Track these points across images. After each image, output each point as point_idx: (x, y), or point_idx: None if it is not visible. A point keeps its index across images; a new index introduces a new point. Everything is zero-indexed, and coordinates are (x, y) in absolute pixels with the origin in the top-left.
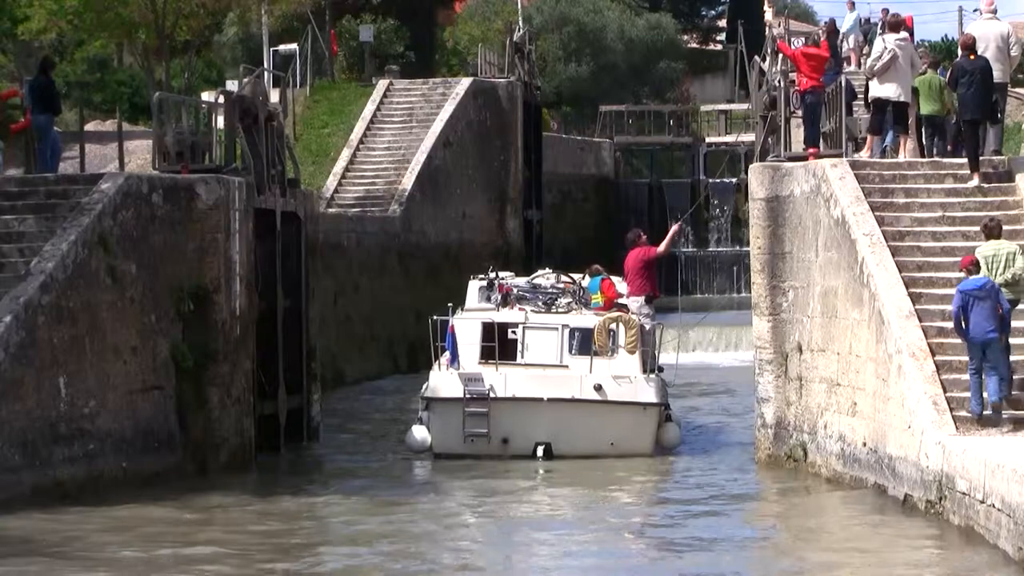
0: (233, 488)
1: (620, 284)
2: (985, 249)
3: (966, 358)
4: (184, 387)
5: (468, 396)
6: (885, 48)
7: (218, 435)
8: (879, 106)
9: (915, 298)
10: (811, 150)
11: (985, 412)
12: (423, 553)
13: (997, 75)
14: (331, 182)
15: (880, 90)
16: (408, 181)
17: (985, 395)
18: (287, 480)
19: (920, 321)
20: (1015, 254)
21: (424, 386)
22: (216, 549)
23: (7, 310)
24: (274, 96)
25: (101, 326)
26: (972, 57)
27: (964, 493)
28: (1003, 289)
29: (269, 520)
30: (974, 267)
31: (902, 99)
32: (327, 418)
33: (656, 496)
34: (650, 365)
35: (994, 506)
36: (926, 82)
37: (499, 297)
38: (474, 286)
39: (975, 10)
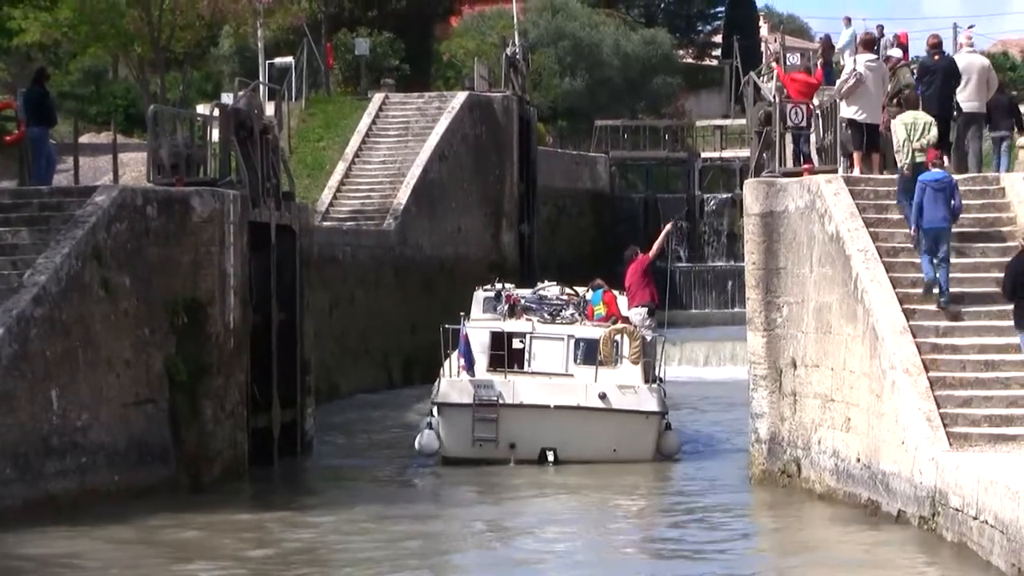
0: (227, 502)
1: (621, 298)
2: (905, 117)
3: (960, 374)
4: (178, 400)
5: (477, 402)
6: (854, 70)
7: (212, 448)
8: (856, 125)
9: (909, 314)
10: (806, 166)
11: (942, 300)
12: (420, 563)
13: (975, 106)
14: (326, 195)
15: (849, 111)
16: (403, 195)
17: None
18: (281, 493)
19: (914, 337)
20: (930, 124)
21: (434, 392)
22: (210, 563)
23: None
24: (269, 109)
25: (94, 339)
26: (936, 58)
27: (957, 509)
28: (919, 152)
29: (263, 534)
30: (939, 160)
31: (869, 121)
32: (321, 431)
33: (651, 510)
34: (651, 375)
35: (987, 522)
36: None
37: (506, 307)
38: (479, 296)
39: (970, 26)
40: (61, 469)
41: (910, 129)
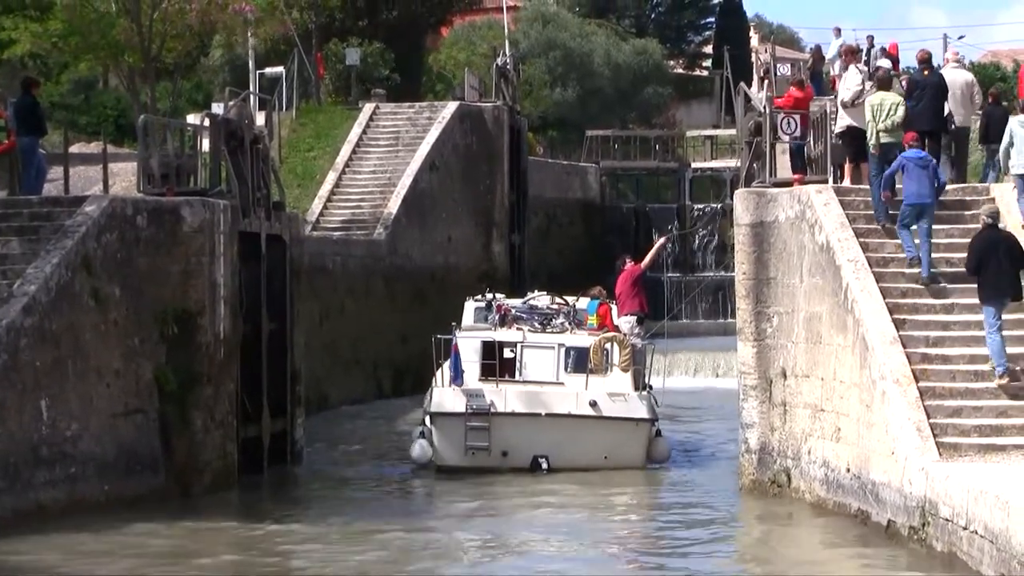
0: (216, 511)
1: (615, 310)
2: (873, 98)
3: (950, 384)
4: (167, 410)
5: (470, 411)
6: (863, 80)
7: (201, 458)
8: (855, 135)
9: (899, 324)
10: (796, 176)
11: (923, 275)
12: (411, 572)
13: (960, 119)
14: (316, 205)
15: (846, 120)
16: (394, 204)
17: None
18: (270, 503)
19: (904, 347)
20: (898, 104)
21: (427, 401)
22: (199, 573)
23: None
24: (260, 119)
25: (84, 349)
26: (926, 73)
27: (947, 519)
28: (883, 133)
29: (253, 543)
30: (916, 142)
31: (858, 126)
32: (311, 441)
33: (641, 519)
34: (641, 383)
35: (977, 532)
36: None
37: (497, 317)
38: (470, 306)
39: (960, 37)
40: (50, 479)
41: (876, 111)
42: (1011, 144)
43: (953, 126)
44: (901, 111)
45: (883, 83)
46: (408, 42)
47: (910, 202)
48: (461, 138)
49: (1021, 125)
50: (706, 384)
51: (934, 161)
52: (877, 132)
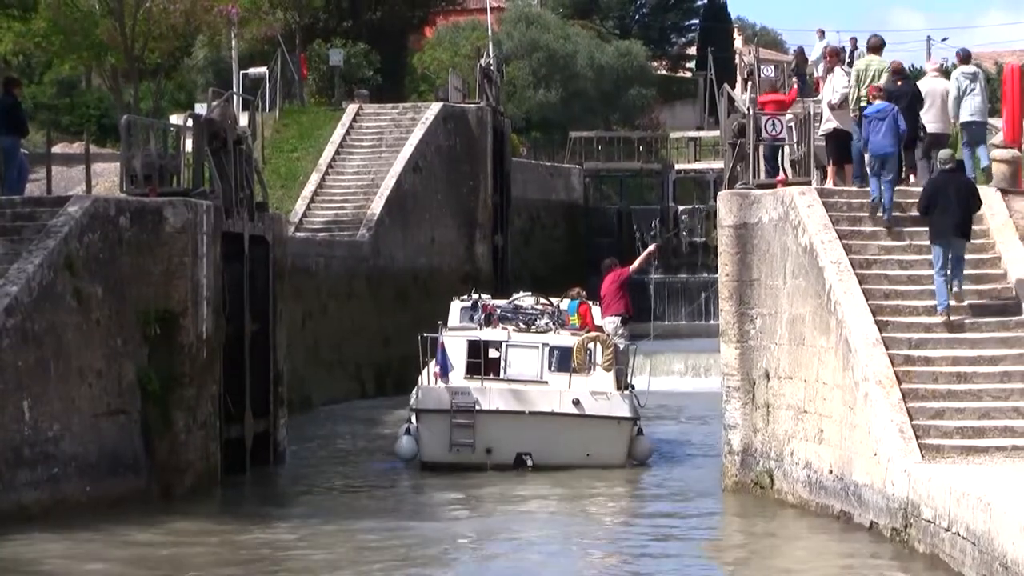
0: (198, 512)
1: (595, 309)
2: (860, 63)
3: (933, 385)
4: (150, 411)
5: (455, 409)
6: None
7: (184, 459)
8: (840, 137)
9: (882, 326)
10: (779, 178)
11: (880, 214)
12: (392, 571)
13: (940, 127)
14: (300, 206)
15: (840, 121)
16: (377, 205)
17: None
18: (253, 504)
19: (887, 349)
20: (882, 71)
21: (412, 398)
22: (180, 574)
23: None
24: (243, 119)
25: (66, 349)
26: (899, 83)
27: (929, 521)
28: (864, 99)
29: (234, 544)
30: (880, 93)
31: (843, 128)
32: (294, 442)
33: (623, 520)
34: (624, 382)
35: (959, 534)
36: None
37: (482, 317)
38: (456, 306)
39: (943, 39)
40: (32, 479)
41: (861, 75)
42: (959, 95)
43: (924, 133)
44: (885, 77)
45: (874, 48)
46: (392, 43)
47: (873, 152)
48: (444, 139)
49: (965, 76)
50: (689, 385)
51: (895, 109)
52: (859, 98)
